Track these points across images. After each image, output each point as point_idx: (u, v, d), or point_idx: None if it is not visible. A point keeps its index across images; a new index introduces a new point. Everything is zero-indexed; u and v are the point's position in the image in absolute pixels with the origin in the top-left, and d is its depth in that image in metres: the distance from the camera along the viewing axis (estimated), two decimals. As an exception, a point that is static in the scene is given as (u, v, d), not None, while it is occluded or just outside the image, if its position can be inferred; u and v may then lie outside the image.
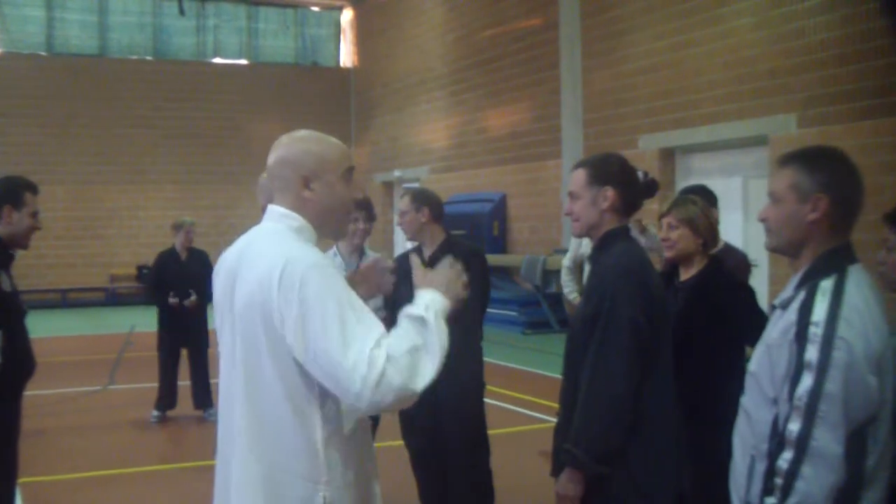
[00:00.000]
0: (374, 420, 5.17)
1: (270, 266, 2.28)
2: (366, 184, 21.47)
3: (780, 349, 2.32)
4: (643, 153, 12.96)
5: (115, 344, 13.84)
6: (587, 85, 14.77)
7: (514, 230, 16.97)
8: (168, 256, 8.76)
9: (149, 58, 22.87)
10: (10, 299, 4.29)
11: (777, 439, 2.29)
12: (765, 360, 2.39)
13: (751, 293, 4.07)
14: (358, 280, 2.96)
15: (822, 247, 2.39)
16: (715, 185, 5.48)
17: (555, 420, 3.28)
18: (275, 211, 2.46)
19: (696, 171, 12.62)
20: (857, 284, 2.33)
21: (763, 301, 4.11)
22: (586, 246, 6.27)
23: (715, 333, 3.69)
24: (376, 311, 4.62)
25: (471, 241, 8.39)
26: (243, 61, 23.77)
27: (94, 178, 21.83)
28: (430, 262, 4.75)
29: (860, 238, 2.48)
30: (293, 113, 22.68)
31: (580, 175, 3.18)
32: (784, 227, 2.43)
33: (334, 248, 5.30)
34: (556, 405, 3.22)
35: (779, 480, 2.25)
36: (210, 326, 8.29)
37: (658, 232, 4.25)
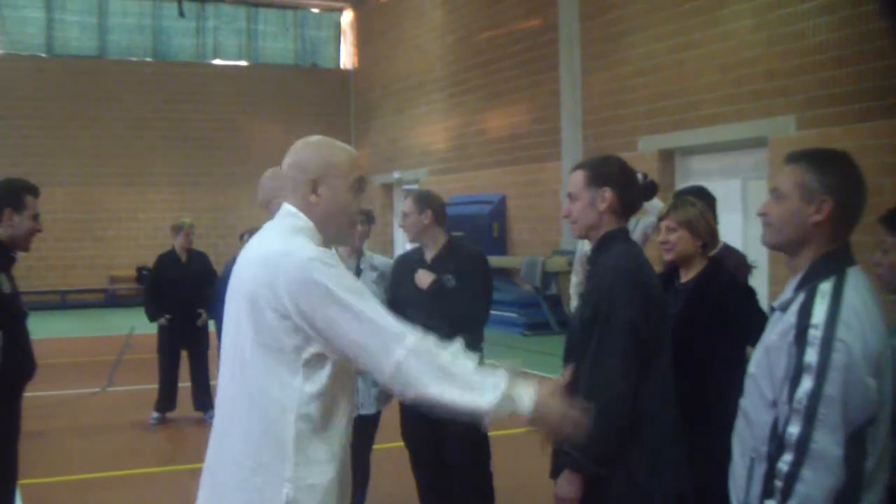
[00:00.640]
0: (374, 422, 5.17)
1: (266, 259, 2.37)
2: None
3: (780, 351, 2.32)
4: (643, 155, 12.96)
5: (115, 345, 13.79)
6: (586, 86, 14.78)
7: (513, 232, 16.97)
8: (168, 258, 8.75)
9: (148, 59, 22.88)
10: (9, 301, 4.29)
11: (777, 442, 2.29)
12: (764, 363, 2.39)
13: (751, 294, 4.07)
14: None
15: (822, 248, 2.39)
16: (714, 186, 5.47)
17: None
18: (284, 209, 2.53)
19: (696, 173, 12.62)
20: (856, 287, 2.33)
21: (763, 302, 4.11)
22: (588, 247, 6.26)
23: (715, 335, 3.68)
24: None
25: (471, 243, 8.37)
26: (243, 63, 23.77)
27: (93, 180, 21.83)
28: (433, 264, 4.76)
29: (859, 240, 2.48)
30: (293, 115, 22.70)
31: (579, 176, 3.19)
32: (785, 225, 2.43)
33: (332, 250, 5.29)
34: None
35: (778, 483, 2.25)
36: (210, 328, 8.29)
37: (656, 234, 4.24)
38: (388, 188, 21.98)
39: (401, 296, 4.78)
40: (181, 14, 21.64)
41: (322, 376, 2.35)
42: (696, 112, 12.25)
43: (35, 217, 4.36)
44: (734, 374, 3.40)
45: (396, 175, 21.05)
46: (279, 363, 2.33)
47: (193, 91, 22.71)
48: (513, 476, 6.07)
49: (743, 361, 3.71)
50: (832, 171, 2.39)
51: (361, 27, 23.89)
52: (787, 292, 2.42)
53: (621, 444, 2.92)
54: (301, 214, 2.48)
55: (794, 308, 2.34)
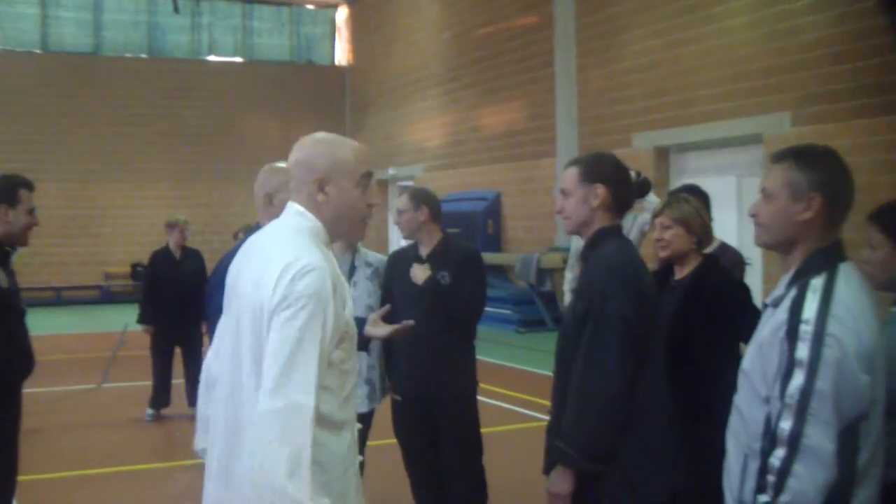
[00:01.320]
0: (367, 419, 5.17)
1: (269, 267, 2.30)
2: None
3: (772, 347, 2.32)
4: (638, 152, 12.97)
5: (110, 342, 13.81)
6: (582, 83, 14.78)
7: (508, 228, 16.97)
8: (162, 255, 8.74)
9: (143, 56, 22.85)
10: (7, 296, 4.29)
11: (769, 437, 2.30)
12: (757, 359, 2.40)
13: (746, 291, 4.08)
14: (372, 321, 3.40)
15: (814, 245, 2.40)
16: (709, 183, 5.49)
17: (548, 418, 3.28)
18: (291, 207, 2.46)
19: (691, 170, 12.63)
20: (848, 282, 2.33)
21: (757, 299, 4.12)
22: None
23: (710, 332, 3.69)
24: (368, 308, 4.64)
25: (466, 240, 8.37)
26: (238, 59, 23.74)
27: (88, 176, 21.79)
28: (428, 261, 4.76)
29: (852, 237, 2.48)
30: (288, 111, 22.69)
31: (572, 173, 3.19)
32: (776, 224, 2.43)
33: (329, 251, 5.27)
34: (549, 403, 3.22)
35: (771, 478, 2.25)
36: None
37: (652, 231, 4.25)
38: (382, 184, 21.97)
39: (395, 292, 4.78)
40: (176, 10, 21.58)
41: (331, 372, 2.33)
42: (691, 109, 12.26)
43: (31, 212, 4.34)
44: (728, 371, 3.41)
45: (391, 171, 21.05)
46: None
47: (188, 88, 22.68)
48: (506, 472, 6.08)
49: (737, 358, 3.72)
50: (819, 167, 2.40)
51: (357, 23, 23.86)
52: (780, 288, 2.43)
53: (614, 440, 2.92)
54: (309, 214, 2.42)
55: (786, 304, 2.34)
